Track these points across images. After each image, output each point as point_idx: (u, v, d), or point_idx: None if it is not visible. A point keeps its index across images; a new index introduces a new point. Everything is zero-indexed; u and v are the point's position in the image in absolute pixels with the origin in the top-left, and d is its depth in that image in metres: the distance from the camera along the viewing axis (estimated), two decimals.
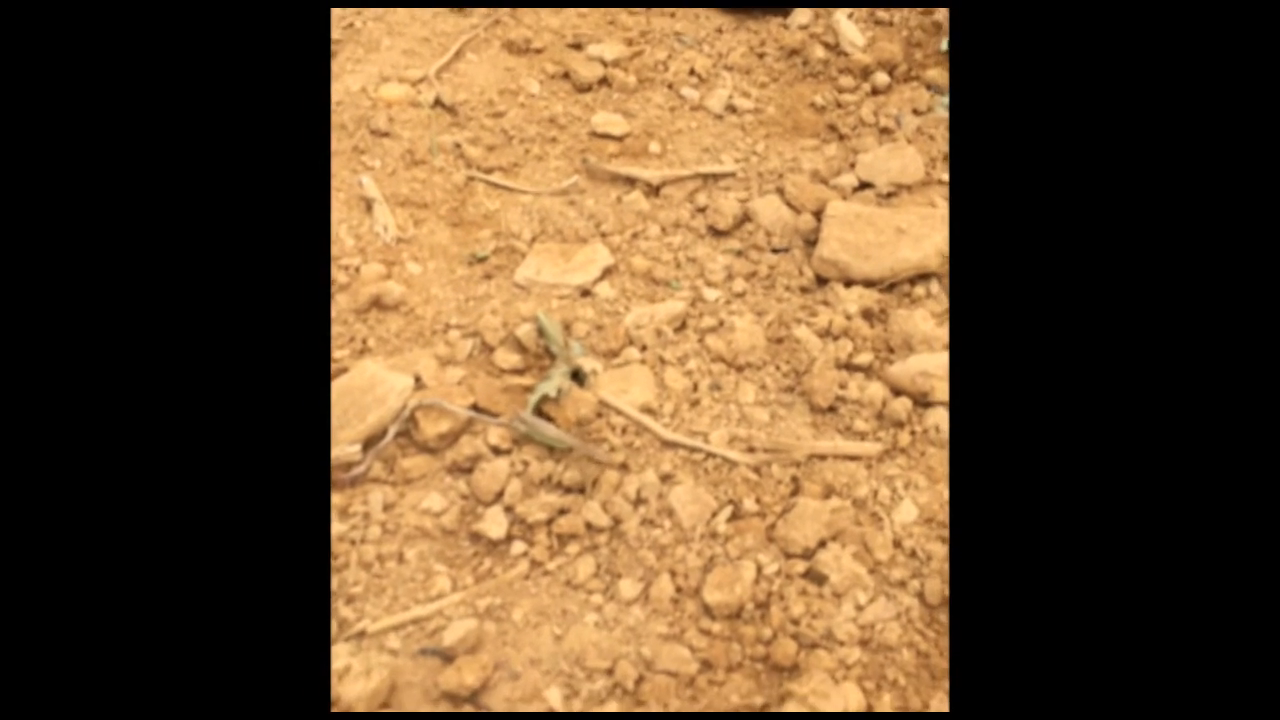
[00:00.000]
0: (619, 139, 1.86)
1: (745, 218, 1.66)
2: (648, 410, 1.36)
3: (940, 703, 1.04)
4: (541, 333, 1.45)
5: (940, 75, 1.92)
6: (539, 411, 1.34)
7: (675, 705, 1.06)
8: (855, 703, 1.03)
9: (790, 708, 1.02)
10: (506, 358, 1.44)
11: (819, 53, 1.99)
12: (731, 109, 1.93)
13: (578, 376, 1.39)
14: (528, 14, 2.13)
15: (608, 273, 1.57)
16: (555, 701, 1.05)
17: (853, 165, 1.71)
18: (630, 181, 1.76)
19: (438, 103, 1.90)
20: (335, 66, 1.96)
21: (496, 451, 1.30)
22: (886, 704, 1.04)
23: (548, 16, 2.14)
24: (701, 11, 2.18)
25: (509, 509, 1.24)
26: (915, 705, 1.05)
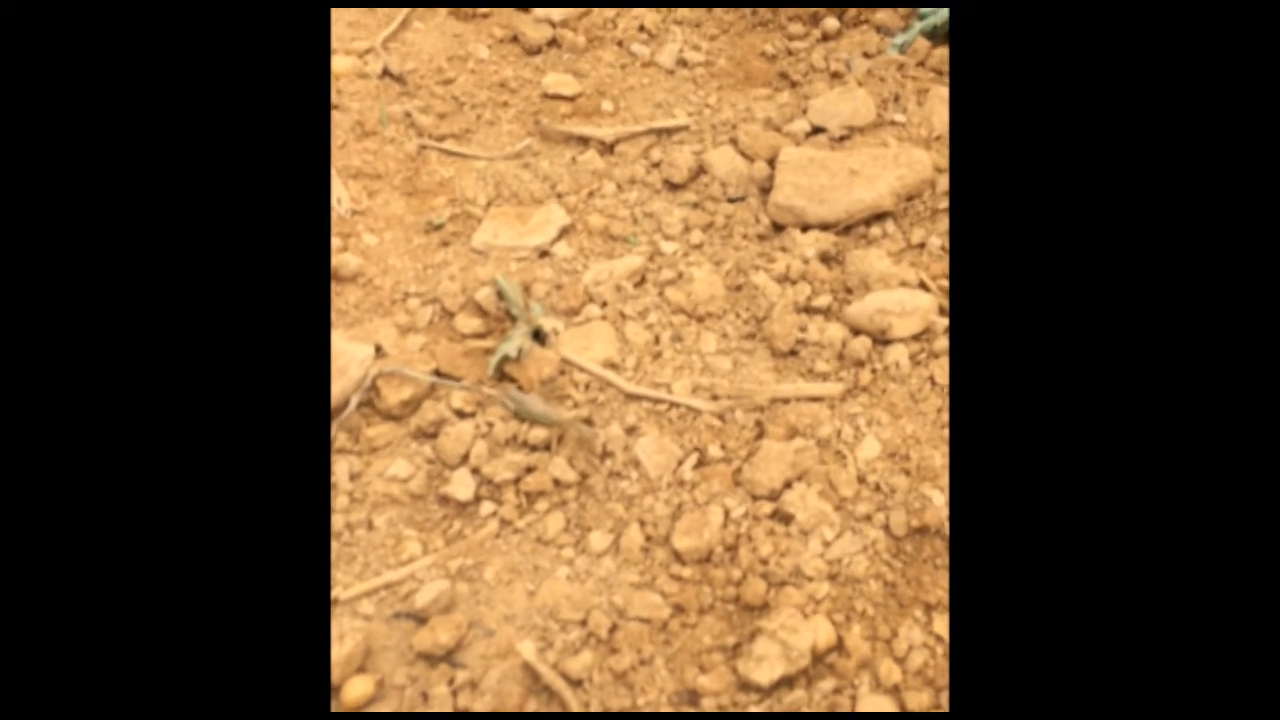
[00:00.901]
0: (571, 99, 1.85)
1: (700, 170, 1.66)
2: (610, 365, 1.36)
3: (909, 630, 1.06)
4: (501, 295, 1.44)
5: (889, 18, 1.91)
6: (501, 373, 1.34)
7: (649, 650, 1.07)
8: (825, 635, 1.05)
9: (760, 644, 1.03)
10: (467, 322, 1.43)
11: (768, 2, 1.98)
12: (683, 63, 1.91)
13: (539, 336, 1.39)
14: None
15: (565, 232, 1.57)
16: (529, 654, 1.06)
17: (805, 111, 1.71)
18: (584, 141, 1.75)
19: (386, 73, 1.87)
20: None
21: (460, 415, 1.30)
22: (856, 634, 1.06)
23: None
24: None
25: (476, 470, 1.24)
26: (884, 634, 1.06)
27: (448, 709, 1.03)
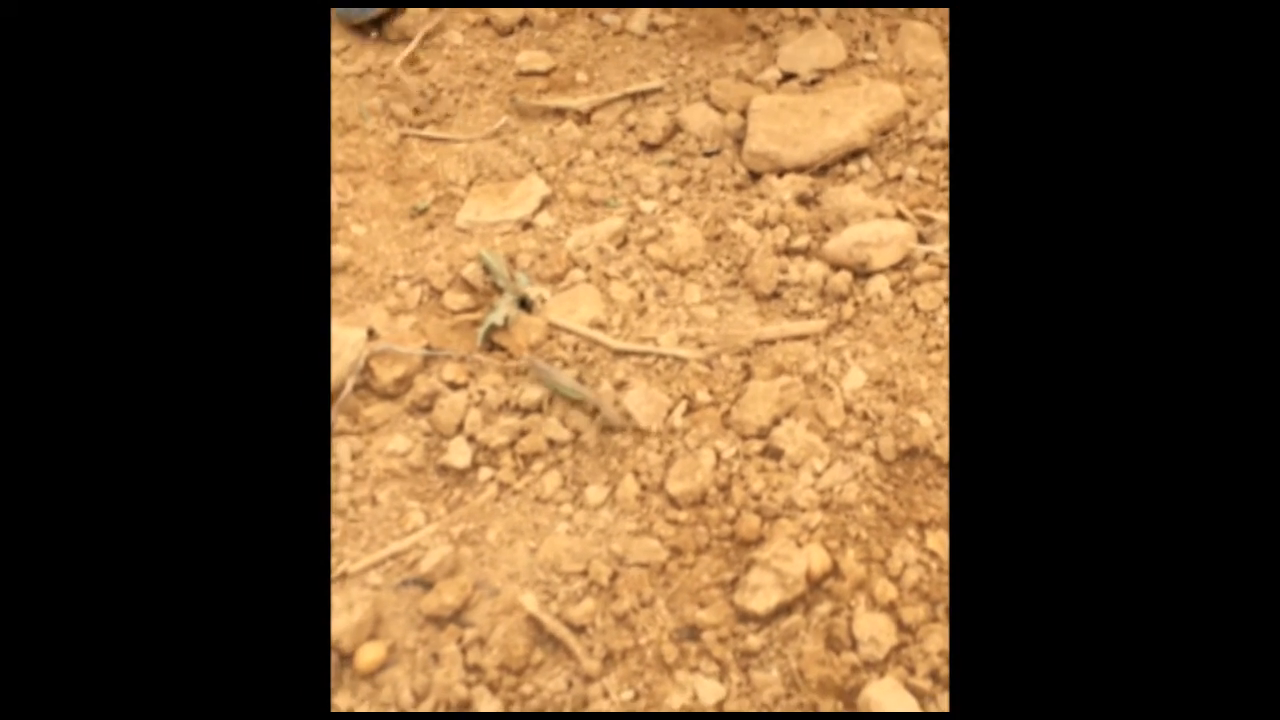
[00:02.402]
0: (546, 74, 1.86)
1: (676, 128, 1.66)
2: (597, 325, 1.38)
3: (902, 549, 1.07)
4: (487, 269, 1.47)
5: None
6: (490, 343, 1.37)
7: (649, 593, 1.09)
8: (819, 562, 1.06)
9: (754, 574, 1.05)
10: (456, 299, 1.46)
11: None
12: (654, 28, 1.92)
13: (525, 304, 1.41)
14: None
15: (546, 203, 1.59)
16: (532, 606, 1.08)
17: (775, 59, 1.70)
18: (560, 113, 1.76)
19: (367, 70, 1.90)
20: None
21: (453, 386, 1.33)
22: (850, 559, 1.07)
23: None
24: None
25: (471, 438, 1.27)
26: (879, 555, 1.07)
27: (458, 667, 1.06)
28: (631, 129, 1.70)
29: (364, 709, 1.05)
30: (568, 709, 1.01)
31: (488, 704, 1.02)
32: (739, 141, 1.59)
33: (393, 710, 1.03)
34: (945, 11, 1.74)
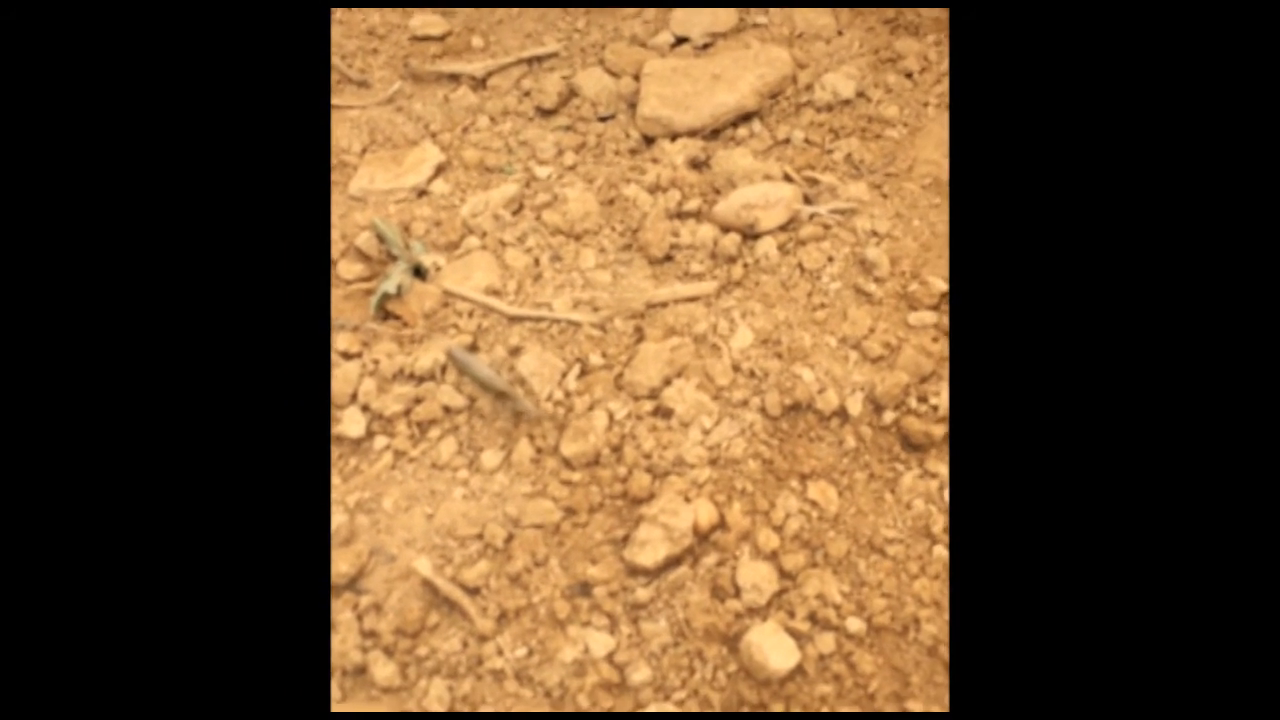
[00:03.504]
0: (440, 39, 1.84)
1: (571, 93, 1.66)
2: (492, 292, 1.38)
3: (785, 500, 1.11)
4: (381, 238, 1.45)
5: None
6: (384, 312, 1.36)
7: (543, 553, 1.11)
8: (706, 515, 1.09)
9: (642, 530, 1.08)
10: (350, 268, 1.44)
11: None
12: None
13: (420, 273, 1.40)
14: None
15: (440, 170, 1.57)
16: (425, 570, 1.10)
17: (668, 24, 1.71)
18: (455, 78, 1.75)
19: None
20: None
21: (346, 356, 1.32)
22: (736, 511, 1.10)
23: None
24: None
25: (365, 407, 1.26)
26: (763, 507, 1.11)
27: (354, 633, 1.07)
28: (527, 94, 1.69)
29: None
30: (463, 669, 1.03)
31: (383, 668, 1.03)
32: (633, 106, 1.60)
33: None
34: None
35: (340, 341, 1.32)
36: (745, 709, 0.97)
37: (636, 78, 1.62)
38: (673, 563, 1.07)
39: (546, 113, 1.65)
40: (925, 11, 1.64)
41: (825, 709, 0.96)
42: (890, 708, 0.95)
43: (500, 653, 1.03)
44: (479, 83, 1.74)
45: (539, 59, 1.76)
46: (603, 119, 1.61)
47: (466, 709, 1.00)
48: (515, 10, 1.88)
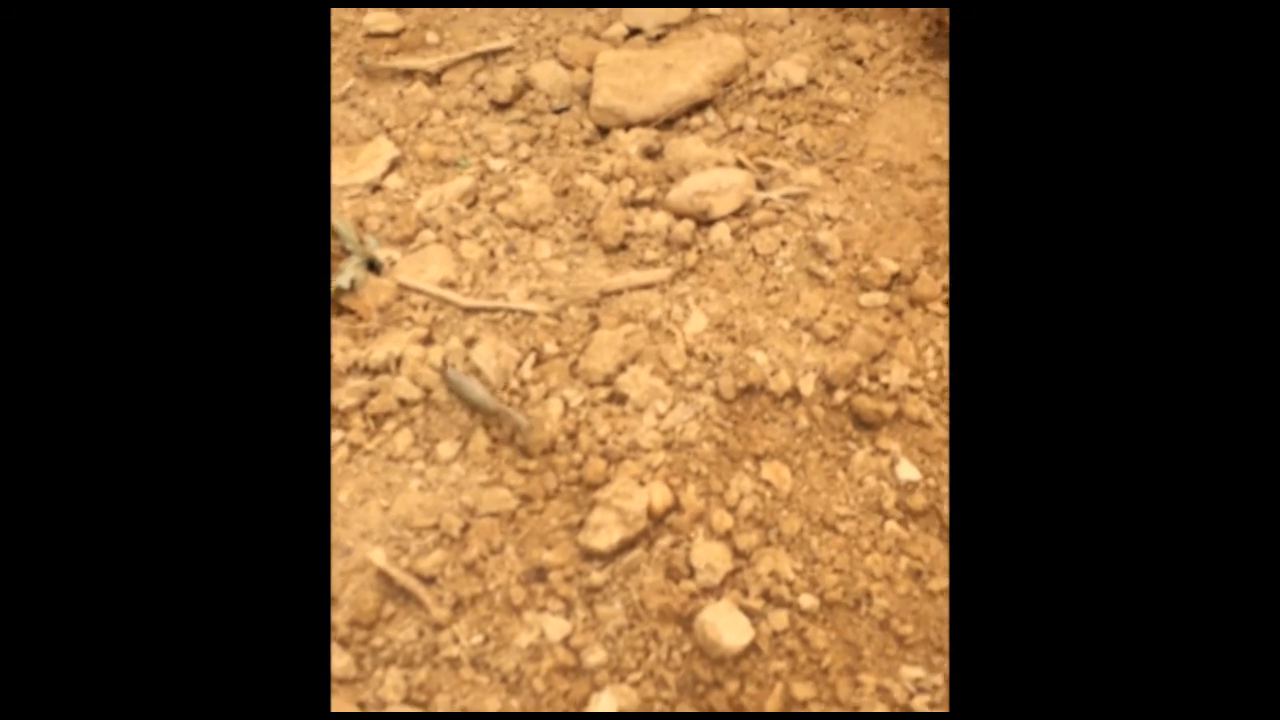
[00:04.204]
0: (394, 35, 1.83)
1: (526, 86, 1.66)
2: (448, 284, 1.38)
3: (739, 481, 1.11)
4: (335, 234, 1.44)
5: None
6: (338, 306, 1.35)
7: (499, 540, 1.11)
8: (660, 498, 1.10)
9: (597, 514, 1.08)
10: None
11: None
12: None
13: (374, 267, 1.40)
14: None
15: (395, 165, 1.57)
16: (380, 561, 1.09)
17: (621, 15, 1.72)
18: (410, 74, 1.74)
19: None
20: None
21: None
22: (691, 493, 1.11)
23: None
24: None
25: None
26: (717, 488, 1.11)
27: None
28: (482, 88, 1.69)
29: None
30: (419, 658, 1.02)
31: (338, 659, 1.02)
32: (587, 97, 1.61)
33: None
34: None
35: None
36: (700, 688, 0.97)
37: (590, 70, 1.62)
38: (627, 546, 1.07)
39: (501, 106, 1.65)
40: None
41: (779, 685, 0.96)
42: (843, 682, 0.96)
43: (456, 640, 1.03)
44: (433, 78, 1.73)
45: (493, 53, 1.76)
46: (557, 111, 1.61)
47: (423, 698, 0.99)
48: (469, 6, 1.88)
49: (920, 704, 0.94)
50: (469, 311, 1.34)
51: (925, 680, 0.95)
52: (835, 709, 0.94)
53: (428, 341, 1.31)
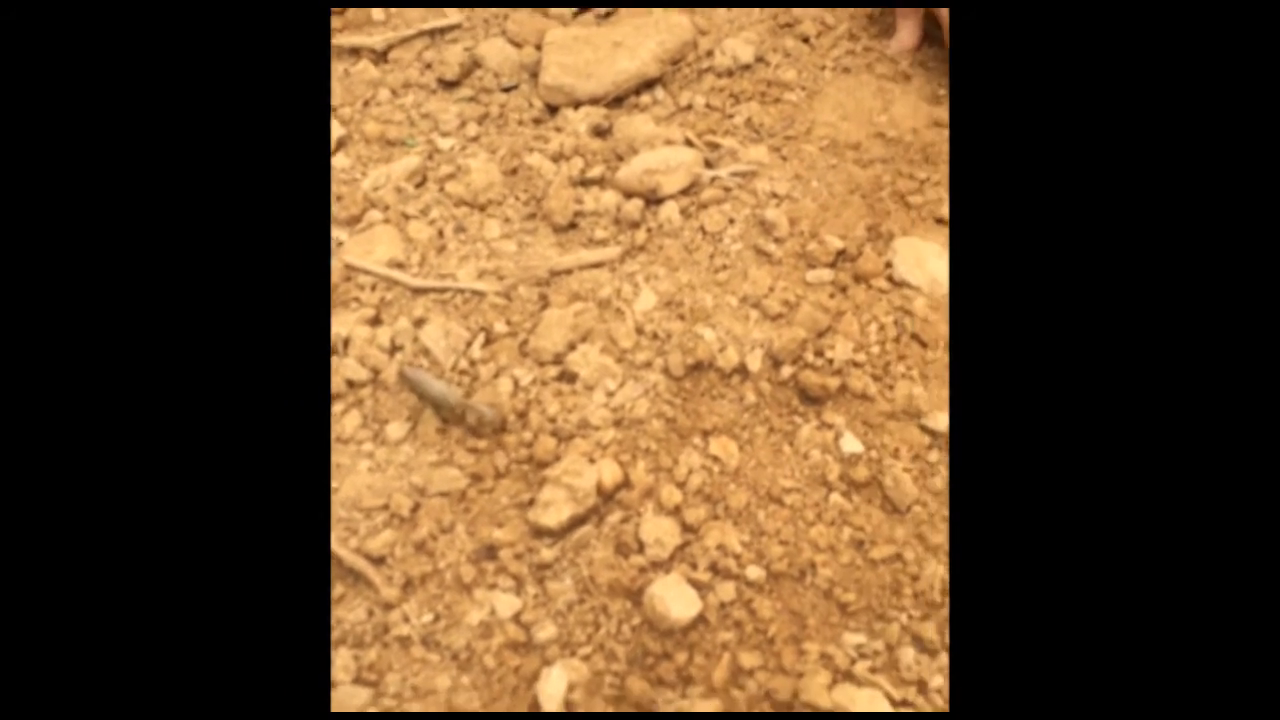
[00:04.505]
0: (340, 13, 1.80)
1: (474, 64, 1.65)
2: (396, 265, 1.37)
3: (688, 456, 1.13)
4: None
5: None
6: None
7: (449, 519, 1.11)
8: (610, 475, 1.11)
9: (546, 491, 1.09)
10: None
11: None
12: None
13: None
14: None
15: (340, 144, 1.55)
16: (330, 544, 1.09)
17: None
18: (355, 52, 1.72)
19: None
20: None
21: None
22: (640, 469, 1.12)
23: None
24: None
25: None
26: (666, 464, 1.12)
27: None
28: (429, 66, 1.67)
29: None
30: (369, 638, 1.02)
31: None
32: (536, 75, 1.60)
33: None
34: None
35: None
36: (649, 659, 0.98)
37: (539, 47, 1.62)
38: (577, 522, 1.08)
39: (449, 85, 1.64)
40: None
41: (727, 655, 0.98)
42: (789, 650, 0.98)
43: (406, 620, 1.03)
44: (380, 56, 1.71)
45: (441, 31, 1.74)
46: (506, 89, 1.60)
47: (373, 677, 1.00)
48: None
49: (862, 669, 0.96)
50: (417, 292, 1.34)
51: (867, 646, 0.98)
52: (781, 677, 0.96)
53: (375, 322, 1.30)
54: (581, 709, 0.96)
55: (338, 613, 1.05)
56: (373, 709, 0.98)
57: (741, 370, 1.20)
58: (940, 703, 0.96)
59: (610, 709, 0.97)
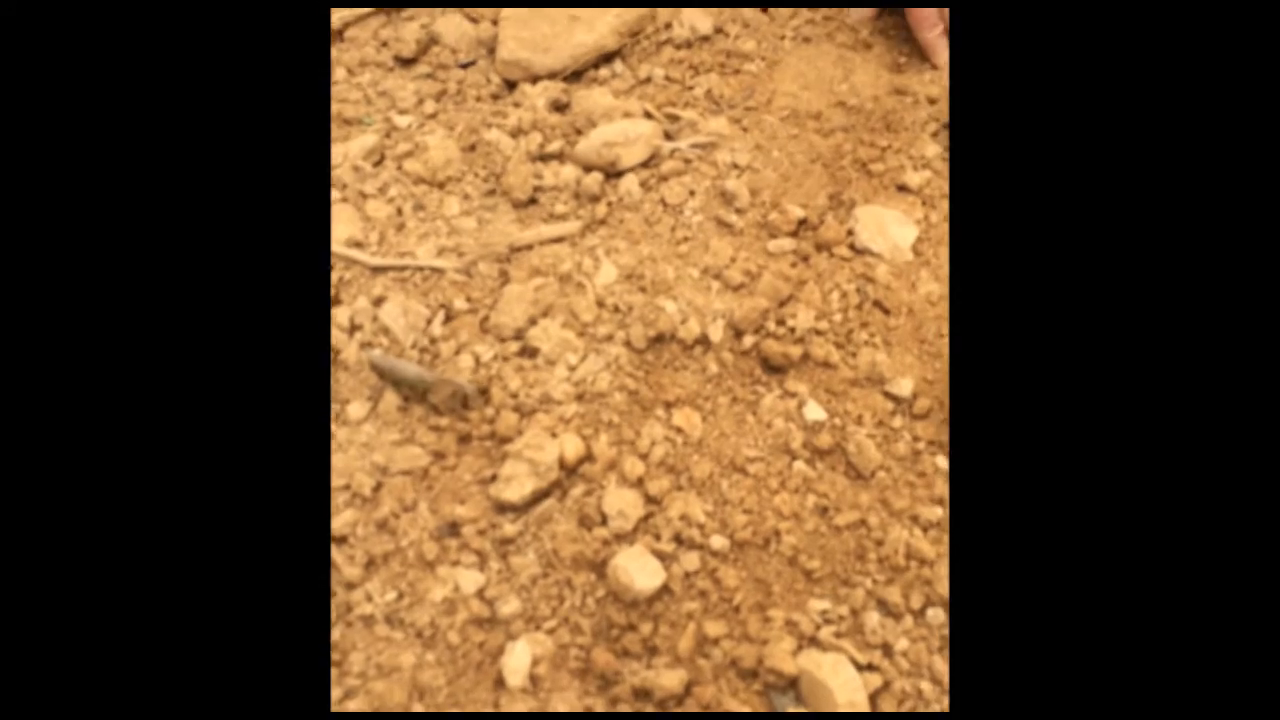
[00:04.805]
0: None
1: (431, 41, 1.63)
2: (354, 244, 1.35)
3: (650, 428, 1.12)
4: None
5: None
6: None
7: (411, 497, 1.10)
8: (572, 449, 1.10)
9: (508, 466, 1.08)
10: None
11: None
12: None
13: None
14: None
15: None
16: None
17: None
18: None
19: None
20: None
21: None
22: (603, 442, 1.11)
23: None
24: None
25: None
26: (629, 436, 1.12)
27: None
28: (385, 44, 1.65)
29: None
30: (332, 618, 1.01)
31: None
32: (493, 51, 1.58)
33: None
34: None
35: None
36: (614, 631, 0.98)
37: (495, 23, 1.60)
38: (540, 496, 1.07)
39: (406, 62, 1.62)
40: None
41: (692, 624, 0.98)
42: (754, 618, 0.98)
43: (369, 598, 1.02)
44: (336, 34, 1.68)
45: (397, 8, 1.71)
46: (463, 65, 1.58)
47: (337, 656, 0.99)
48: None
49: (827, 634, 0.96)
50: (377, 270, 1.32)
51: (831, 612, 0.98)
52: (746, 644, 0.96)
53: (334, 302, 1.28)
54: (547, 683, 0.96)
55: None
56: (337, 689, 0.97)
57: (703, 341, 1.19)
58: (906, 666, 0.97)
59: (576, 682, 0.96)
